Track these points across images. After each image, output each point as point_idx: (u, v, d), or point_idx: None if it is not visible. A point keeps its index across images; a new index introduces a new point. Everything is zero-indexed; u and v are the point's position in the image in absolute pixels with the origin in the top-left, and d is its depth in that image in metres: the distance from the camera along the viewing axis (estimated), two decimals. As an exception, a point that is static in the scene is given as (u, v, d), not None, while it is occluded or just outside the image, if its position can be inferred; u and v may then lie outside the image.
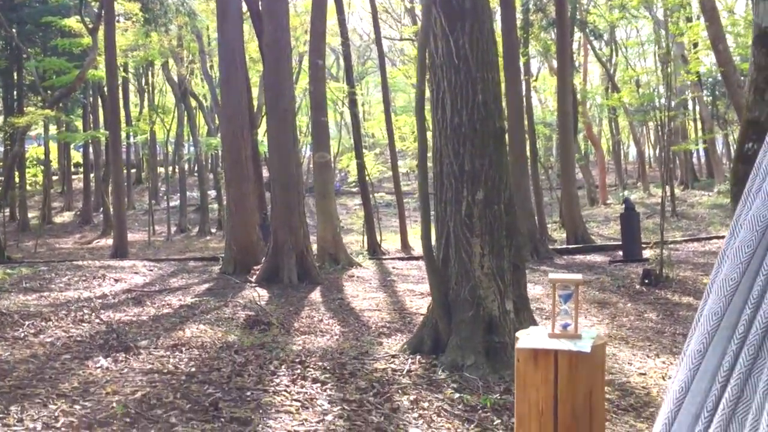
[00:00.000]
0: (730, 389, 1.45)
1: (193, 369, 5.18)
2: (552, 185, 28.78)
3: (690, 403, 1.48)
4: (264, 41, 12.24)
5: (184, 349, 5.90)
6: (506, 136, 5.96)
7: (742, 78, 14.16)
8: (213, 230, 26.89)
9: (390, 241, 19.50)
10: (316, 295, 9.96)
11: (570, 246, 16.77)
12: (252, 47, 20.80)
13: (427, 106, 6.15)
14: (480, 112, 5.65)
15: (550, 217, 22.82)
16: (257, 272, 11.45)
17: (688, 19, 21.94)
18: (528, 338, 2.88)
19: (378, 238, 17.61)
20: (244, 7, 14.75)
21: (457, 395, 4.59)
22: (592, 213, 26.79)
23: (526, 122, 17.58)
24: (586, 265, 13.67)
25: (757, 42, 3.88)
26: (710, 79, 26.06)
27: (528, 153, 17.72)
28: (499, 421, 4.22)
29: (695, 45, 21.12)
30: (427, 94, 5.97)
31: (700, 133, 27.58)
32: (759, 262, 1.56)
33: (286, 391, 4.62)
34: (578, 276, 2.96)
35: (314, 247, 13.54)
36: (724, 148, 34.86)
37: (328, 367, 5.27)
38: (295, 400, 4.44)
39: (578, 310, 2.96)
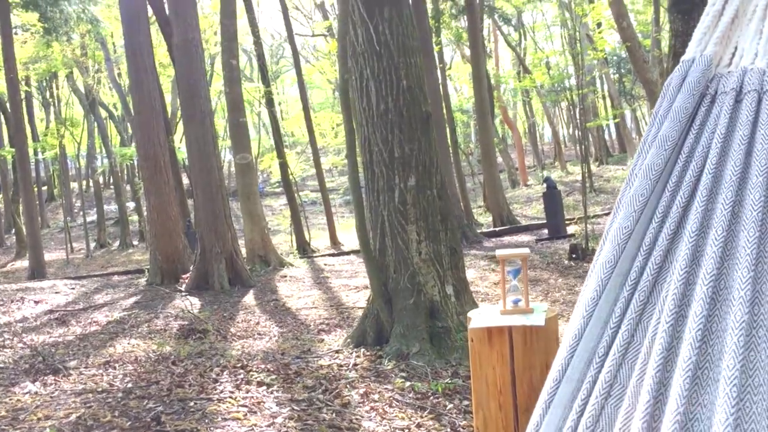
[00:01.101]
0: (621, 334, 1.46)
1: (130, 385, 4.93)
2: (473, 171, 29.21)
3: (583, 350, 1.50)
4: (174, 43, 11.83)
5: (117, 365, 5.63)
6: (432, 121, 5.94)
7: (645, 53, 14.66)
8: (135, 242, 26.01)
9: (319, 239, 19.33)
10: (249, 298, 9.73)
11: (497, 228, 17.05)
12: (161, 52, 20.17)
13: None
14: (405, 98, 5.61)
15: (474, 202, 23.13)
16: (186, 280, 11.11)
17: (591, 0, 22.63)
18: (480, 317, 2.84)
19: (307, 237, 17.42)
20: (150, 11, 14.26)
21: (407, 384, 4.53)
22: (515, 195, 27.32)
23: (444, 110, 17.71)
24: (514, 245, 13.90)
25: (673, 8, 3.97)
26: (615, 57, 26.97)
27: (449, 140, 17.88)
28: (452, 405, 4.19)
29: (599, 25, 21.78)
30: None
31: (609, 110, 28.53)
32: (652, 209, 1.60)
33: (231, 397, 4.45)
34: (525, 250, 2.94)
35: (243, 250, 13.27)
36: (633, 123, 36.21)
37: (271, 369, 5.12)
38: (242, 405, 4.28)
39: (527, 284, 2.95)
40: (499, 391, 2.75)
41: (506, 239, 15.45)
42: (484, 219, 20.47)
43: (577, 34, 17.27)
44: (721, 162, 1.62)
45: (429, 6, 19.30)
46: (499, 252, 2.88)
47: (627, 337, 1.48)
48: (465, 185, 20.26)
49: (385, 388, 4.53)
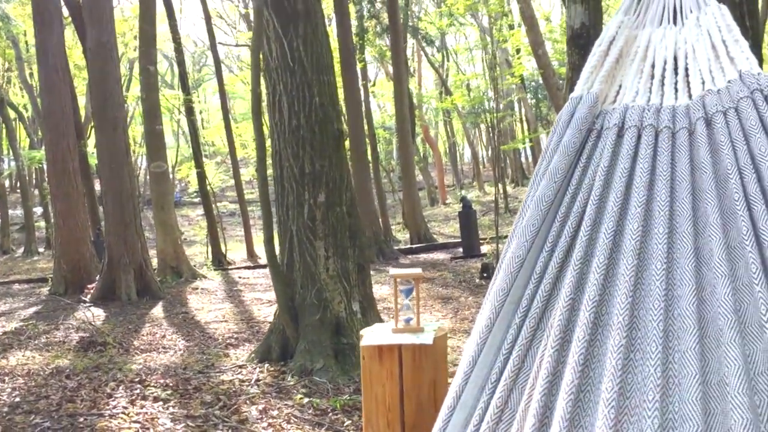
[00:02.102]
0: (512, 360, 1.52)
1: (18, 399, 4.74)
2: (394, 188, 29.46)
3: (477, 375, 1.56)
4: (88, 45, 11.50)
5: (6, 379, 5.39)
6: (345, 138, 6.00)
7: (560, 81, 15.24)
8: (41, 250, 24.88)
9: (236, 251, 19.05)
10: (158, 310, 9.49)
11: (414, 246, 17.23)
12: (77, 53, 19.53)
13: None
14: (318, 114, 5.64)
15: (393, 219, 23.33)
16: (92, 291, 10.73)
17: (510, 27, 23.31)
18: (372, 335, 2.89)
19: (223, 249, 17.14)
20: (65, 11, 13.81)
21: (306, 400, 4.53)
22: (434, 213, 27.71)
23: (366, 126, 17.84)
24: (429, 262, 14.09)
25: (571, 43, 4.17)
26: (533, 83, 27.82)
27: (369, 156, 18.00)
28: (350, 421, 4.22)
29: (518, 51, 22.44)
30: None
31: (526, 133, 29.37)
32: (543, 239, 1.68)
33: (124, 413, 4.34)
34: (418, 270, 3.01)
35: (155, 261, 12.94)
36: (549, 147, 37.26)
37: (170, 384, 5.02)
38: (135, 421, 4.18)
39: (420, 304, 3.01)
40: (388, 409, 2.79)
41: (422, 256, 15.64)
42: (402, 235, 20.66)
43: (497, 58, 17.75)
44: (604, 194, 1.71)
45: (354, 23, 19.47)
46: (392, 271, 2.94)
47: (518, 363, 1.54)
48: (385, 201, 20.41)
49: (285, 404, 4.51)
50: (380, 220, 17.28)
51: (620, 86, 1.97)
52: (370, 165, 17.93)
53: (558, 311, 1.56)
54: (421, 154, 32.63)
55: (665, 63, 1.92)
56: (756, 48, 2.91)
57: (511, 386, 1.53)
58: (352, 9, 19.05)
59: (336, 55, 16.66)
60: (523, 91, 26.47)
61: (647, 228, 1.60)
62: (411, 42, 26.91)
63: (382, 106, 36.34)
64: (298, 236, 5.59)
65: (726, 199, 1.56)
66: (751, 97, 1.66)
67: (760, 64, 3.04)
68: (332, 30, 16.54)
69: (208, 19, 19.31)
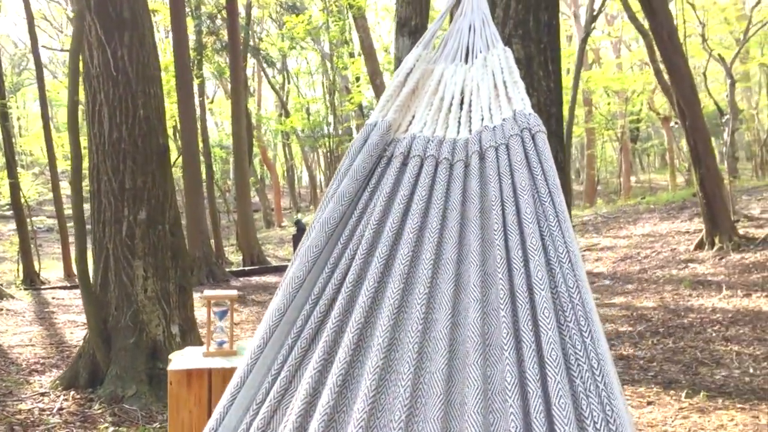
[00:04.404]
0: (280, 381, 1.52)
1: None
2: (229, 208, 28.84)
3: (243, 396, 1.54)
4: None
5: None
6: (170, 154, 5.78)
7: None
8: None
9: (52, 269, 17.68)
10: (-49, 334, 8.55)
11: (246, 268, 16.91)
12: None
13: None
14: (142, 128, 5.40)
15: (227, 240, 22.80)
16: None
17: (351, 55, 23.81)
18: (181, 359, 2.77)
19: (36, 267, 15.84)
20: None
21: (111, 429, 4.26)
22: (269, 235, 27.41)
23: (201, 144, 17.36)
24: (261, 286, 13.88)
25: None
26: (371, 111, 28.56)
27: (204, 175, 17.51)
28: (160, 450, 4.01)
29: (357, 79, 22.97)
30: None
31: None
32: (325, 260, 1.70)
33: None
34: (233, 292, 2.93)
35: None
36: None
37: (-43, 416, 4.52)
38: None
39: (240, 328, 2.94)
40: (194, 436, 2.68)
41: (254, 279, 15.37)
42: (236, 257, 20.22)
43: (337, 84, 18.01)
44: (383, 219, 1.75)
45: (192, 38, 18.97)
46: (206, 292, 2.85)
47: (285, 384, 1.52)
48: (218, 222, 19.90)
49: (89, 435, 4.21)
50: (212, 240, 16.81)
51: (413, 117, 2.06)
52: (204, 184, 17.43)
53: (325, 332, 1.57)
54: (259, 176, 32.26)
55: (453, 98, 2.02)
56: (557, 90, 3.16)
57: (275, 407, 1.52)
58: (191, 23, 18.57)
59: (172, 69, 16.15)
60: (361, 117, 27.06)
61: (417, 253, 1.66)
62: (252, 61, 26.67)
63: (220, 124, 35.62)
64: (114, 255, 5.28)
65: (488, 228, 1.65)
66: (521, 135, 1.77)
67: (561, 105, 3.31)
68: (169, 43, 16.00)
69: (30, 19, 17.97)
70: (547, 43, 3.11)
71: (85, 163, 6.27)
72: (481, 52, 2.05)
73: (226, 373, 2.69)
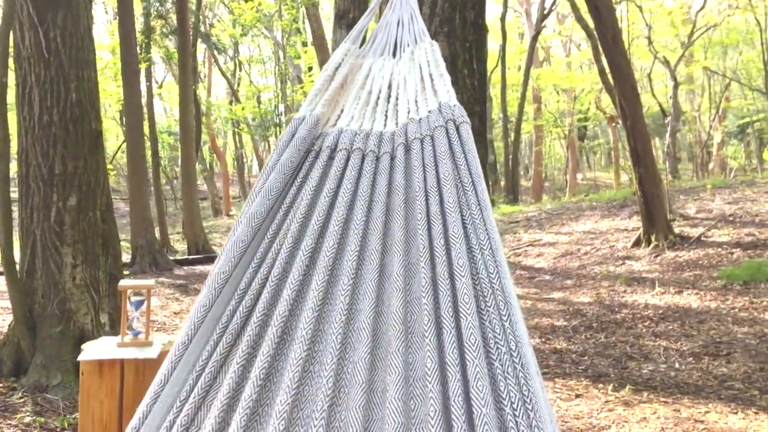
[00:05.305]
0: (205, 377, 1.51)
1: None
2: (177, 196, 28.38)
3: (167, 394, 1.52)
4: None
5: None
6: (102, 139, 5.66)
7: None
8: None
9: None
10: None
11: (191, 257, 16.68)
12: None
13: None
14: (74, 112, 5.28)
15: (173, 228, 22.44)
16: None
17: (304, 44, 23.65)
18: (94, 349, 2.73)
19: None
20: None
21: (29, 419, 4.17)
22: (216, 224, 27.05)
23: (147, 129, 17.02)
24: (205, 275, 13.70)
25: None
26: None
27: (150, 161, 17.18)
28: (81, 441, 3.94)
29: (310, 68, 22.82)
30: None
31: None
32: (251, 255, 1.70)
33: None
34: (150, 281, 2.90)
35: None
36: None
37: None
38: None
39: (150, 317, 2.91)
40: (105, 427, 2.65)
41: (199, 268, 15.18)
42: (181, 246, 19.92)
43: (289, 73, 17.86)
44: (309, 212, 1.75)
45: (141, 20, 18.58)
46: (122, 282, 2.81)
47: (210, 380, 1.51)
48: (164, 209, 19.58)
49: (8, 424, 4.11)
50: (158, 228, 16.52)
51: (342, 111, 2.06)
52: (150, 170, 17.11)
53: (250, 327, 1.57)
54: (207, 164, 31.82)
55: (380, 91, 2.04)
56: (481, 88, 3.21)
57: (199, 403, 1.51)
58: (139, 5, 18.17)
59: (117, 51, 15.77)
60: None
61: (342, 245, 1.67)
62: (203, 47, 26.25)
63: (169, 110, 34.98)
64: (42, 241, 5.15)
65: (412, 219, 1.67)
66: (445, 126, 1.80)
67: (485, 103, 3.35)
68: (115, 25, 15.62)
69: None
70: (473, 41, 3.15)
71: (14, 147, 6.11)
72: (408, 45, 2.07)
73: (139, 364, 2.67)
